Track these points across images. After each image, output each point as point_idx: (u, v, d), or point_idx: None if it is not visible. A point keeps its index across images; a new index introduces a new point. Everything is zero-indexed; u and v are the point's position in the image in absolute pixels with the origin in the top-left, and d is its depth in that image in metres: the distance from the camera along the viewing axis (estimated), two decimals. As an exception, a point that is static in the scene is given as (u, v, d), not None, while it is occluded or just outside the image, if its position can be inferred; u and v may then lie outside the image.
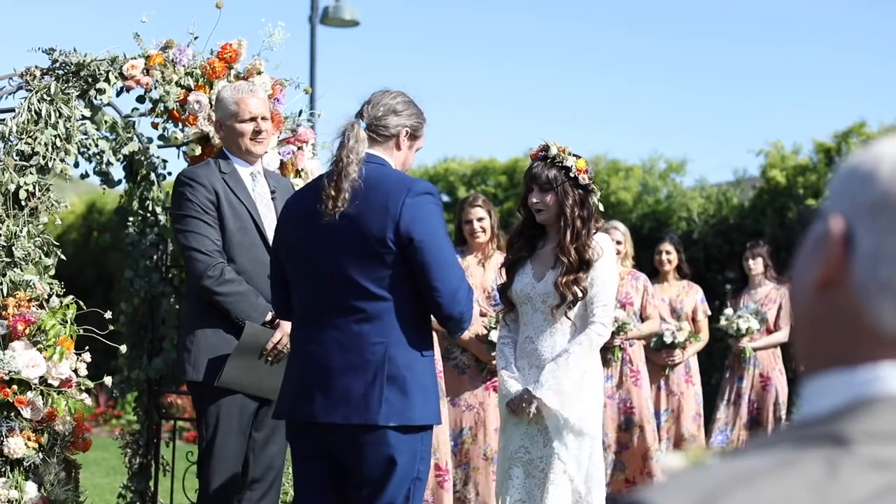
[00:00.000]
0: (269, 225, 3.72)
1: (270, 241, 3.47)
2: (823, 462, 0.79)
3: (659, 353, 6.40)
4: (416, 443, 2.97)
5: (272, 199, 3.86)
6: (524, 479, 3.81)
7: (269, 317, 3.66)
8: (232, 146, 3.85)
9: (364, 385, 2.89)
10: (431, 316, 3.04)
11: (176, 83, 4.15)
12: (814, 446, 0.81)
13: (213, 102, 4.11)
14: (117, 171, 4.53)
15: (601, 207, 3.95)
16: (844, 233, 0.88)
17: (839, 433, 0.81)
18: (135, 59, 4.13)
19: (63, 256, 3.90)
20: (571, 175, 3.83)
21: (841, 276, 0.88)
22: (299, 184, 4.14)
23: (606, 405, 5.55)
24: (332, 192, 2.92)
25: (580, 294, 3.78)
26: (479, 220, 5.26)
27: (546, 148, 3.88)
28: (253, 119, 3.80)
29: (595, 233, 3.86)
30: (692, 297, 6.71)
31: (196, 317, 3.76)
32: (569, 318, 3.82)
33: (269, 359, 3.64)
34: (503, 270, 4.05)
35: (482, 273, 5.25)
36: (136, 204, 4.74)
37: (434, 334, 4.38)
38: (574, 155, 3.87)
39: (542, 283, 3.85)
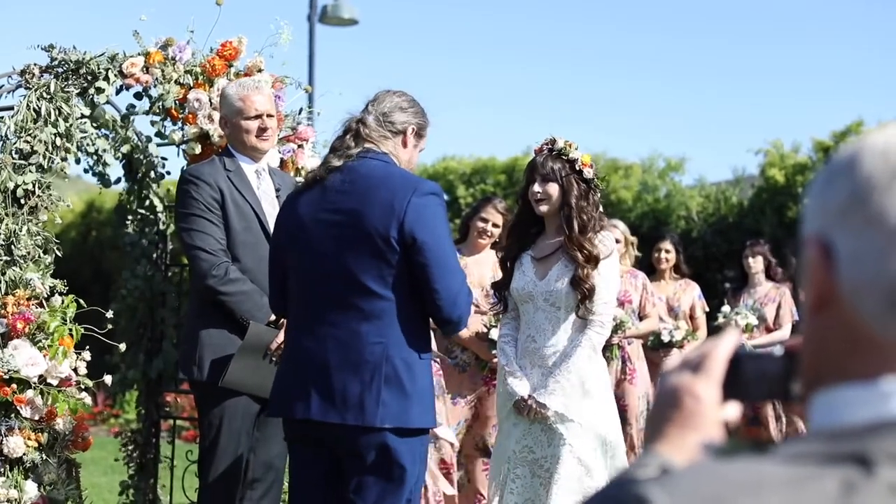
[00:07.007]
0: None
1: None
2: (841, 483, 0.77)
3: (657, 352, 6.38)
4: (416, 445, 2.94)
5: (277, 196, 3.81)
6: (530, 478, 3.77)
7: (273, 316, 3.60)
8: (236, 143, 3.81)
9: (361, 385, 2.86)
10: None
11: (175, 81, 4.13)
12: (836, 464, 0.79)
13: (213, 100, 4.09)
14: (116, 170, 4.52)
15: (600, 207, 3.94)
16: (822, 247, 0.87)
17: (863, 453, 0.79)
18: (134, 56, 4.11)
19: (60, 253, 3.87)
20: (577, 168, 3.82)
21: (832, 292, 0.87)
22: (300, 182, 4.12)
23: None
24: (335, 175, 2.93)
25: (588, 291, 3.74)
26: (495, 225, 5.25)
27: (552, 141, 3.88)
28: (258, 116, 3.76)
29: (600, 230, 3.84)
30: (689, 293, 6.69)
31: (199, 316, 3.72)
32: (579, 317, 3.77)
33: (274, 359, 3.57)
34: (499, 267, 4.01)
35: (480, 271, 5.24)
36: (135, 202, 4.73)
37: (432, 333, 4.38)
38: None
39: (545, 282, 3.80)
